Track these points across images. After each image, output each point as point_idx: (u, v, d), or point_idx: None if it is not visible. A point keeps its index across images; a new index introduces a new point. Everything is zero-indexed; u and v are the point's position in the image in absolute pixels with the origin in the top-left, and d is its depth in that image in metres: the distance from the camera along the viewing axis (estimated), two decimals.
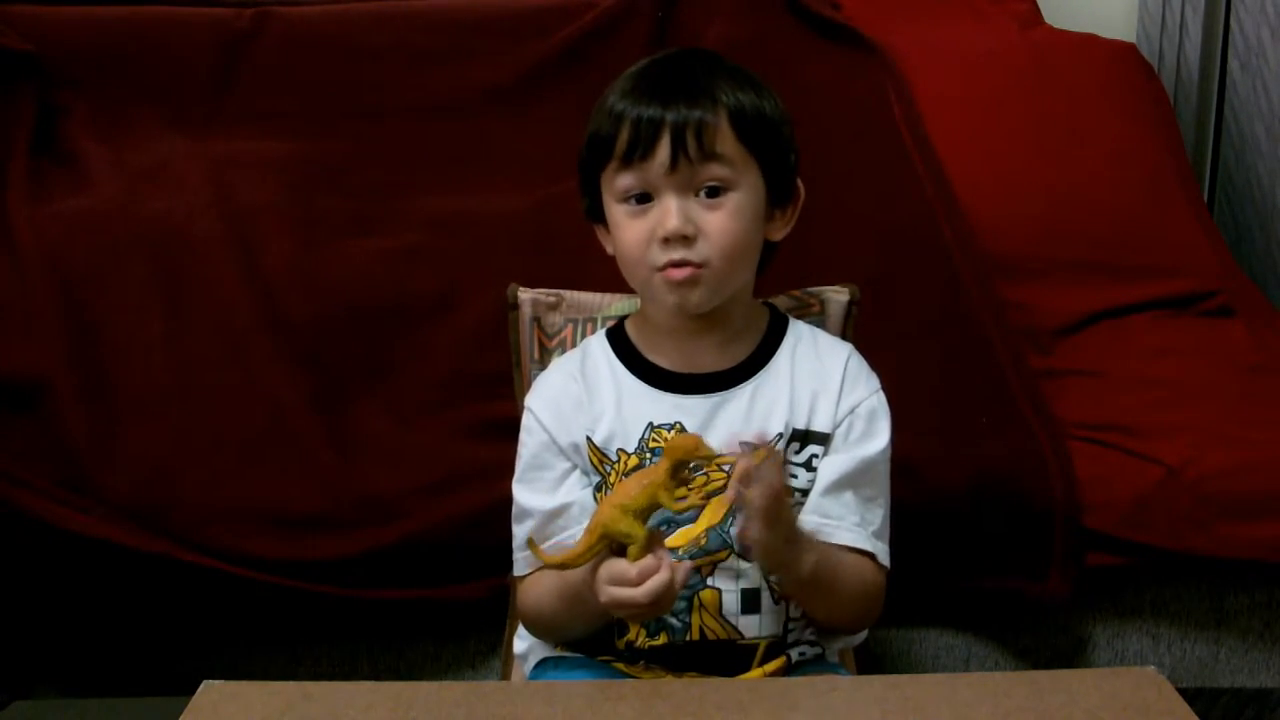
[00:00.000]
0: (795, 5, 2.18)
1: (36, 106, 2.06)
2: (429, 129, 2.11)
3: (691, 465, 1.10)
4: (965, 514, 1.61)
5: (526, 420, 1.27)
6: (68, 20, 2.18)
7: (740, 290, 1.25)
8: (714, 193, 1.18)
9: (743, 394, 1.24)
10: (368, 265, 1.89)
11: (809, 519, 1.21)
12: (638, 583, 1.08)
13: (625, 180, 1.20)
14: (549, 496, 1.24)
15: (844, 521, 1.22)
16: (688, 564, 1.11)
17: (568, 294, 1.43)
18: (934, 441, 1.63)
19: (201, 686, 1.00)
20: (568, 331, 1.42)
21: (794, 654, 1.23)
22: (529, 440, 1.26)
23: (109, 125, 2.09)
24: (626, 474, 1.20)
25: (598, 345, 1.30)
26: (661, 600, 1.08)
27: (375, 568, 1.60)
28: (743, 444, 1.16)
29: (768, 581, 1.20)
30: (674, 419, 1.22)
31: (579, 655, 1.25)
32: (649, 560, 1.08)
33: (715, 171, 1.18)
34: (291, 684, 1.01)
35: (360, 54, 2.19)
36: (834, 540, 1.21)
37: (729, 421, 1.22)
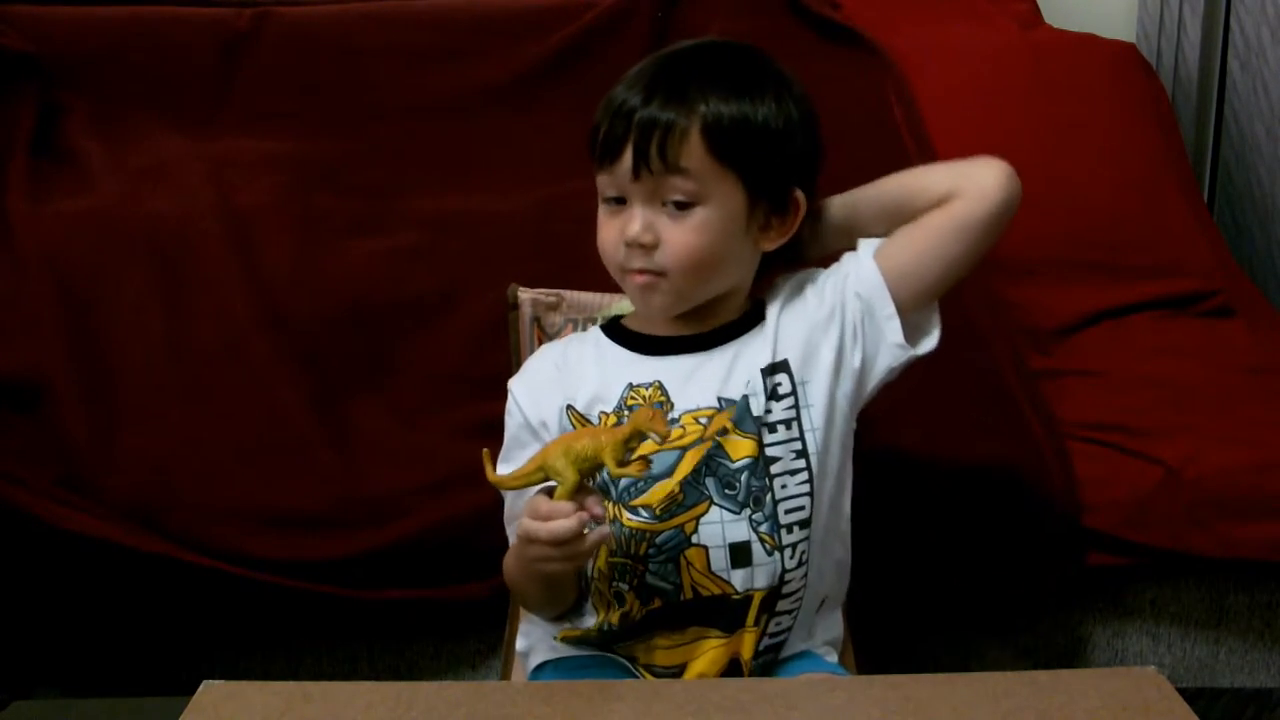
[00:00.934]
0: (795, 5, 2.18)
1: (36, 106, 2.06)
2: (429, 129, 2.11)
3: (643, 436, 1.12)
4: (965, 514, 1.61)
5: (508, 402, 1.30)
6: (68, 20, 2.18)
7: (731, 292, 1.26)
8: (681, 206, 1.20)
9: (726, 352, 1.25)
10: (368, 265, 1.89)
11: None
12: (546, 519, 1.10)
13: (603, 181, 1.23)
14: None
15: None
16: (605, 530, 1.12)
17: (568, 294, 1.43)
18: (934, 441, 1.63)
19: (201, 686, 1.00)
20: (567, 331, 1.42)
21: (788, 603, 1.23)
22: (509, 421, 1.30)
23: (109, 125, 2.09)
24: None
25: (589, 332, 1.33)
26: (568, 549, 1.11)
27: (375, 568, 1.60)
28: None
29: (758, 533, 1.20)
30: (653, 378, 1.23)
31: (581, 655, 1.25)
32: (563, 504, 1.10)
33: (679, 185, 1.19)
34: (291, 684, 1.01)
35: (360, 54, 2.19)
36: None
37: (709, 376, 1.23)
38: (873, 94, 2.08)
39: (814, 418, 1.22)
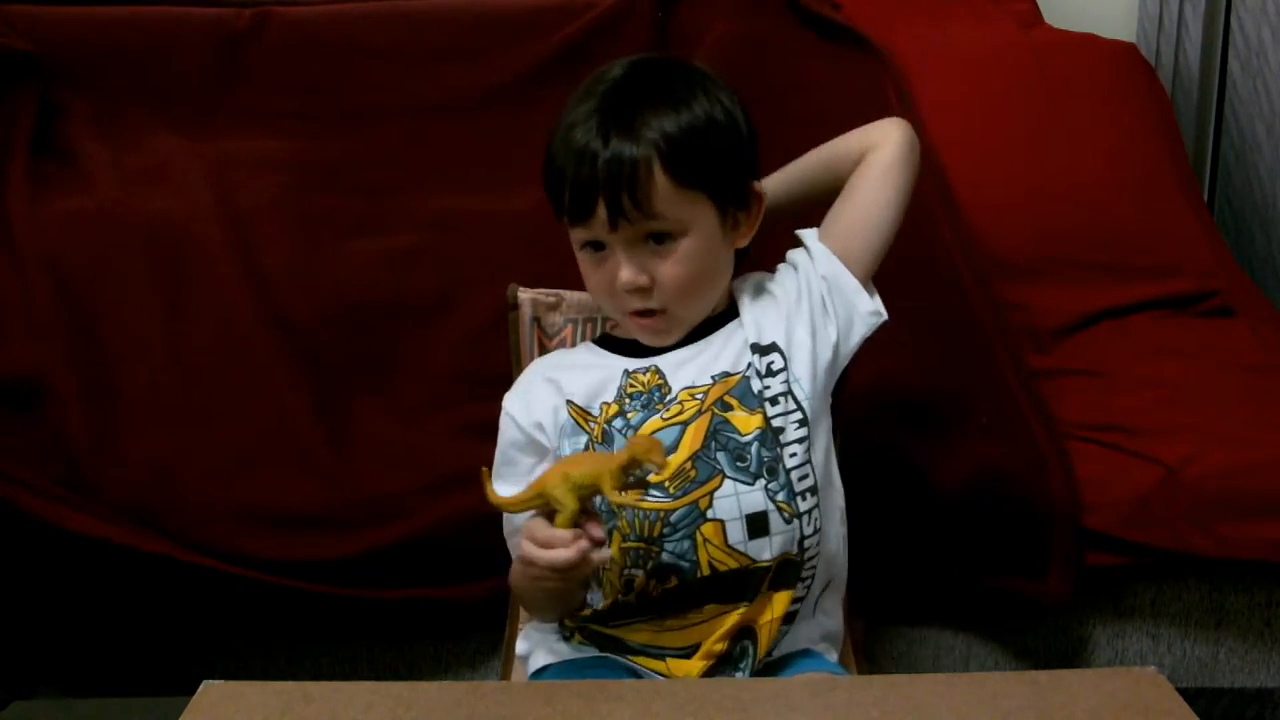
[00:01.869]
0: (795, 5, 2.18)
1: (36, 106, 2.06)
2: (429, 129, 2.11)
3: (642, 469, 1.11)
4: (965, 514, 1.61)
5: (501, 420, 1.32)
6: (68, 20, 2.18)
7: (718, 296, 1.31)
8: (661, 239, 1.23)
9: (717, 338, 1.29)
10: (368, 265, 1.89)
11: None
12: (544, 545, 1.12)
13: (577, 232, 1.26)
14: (515, 488, 1.26)
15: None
16: (605, 553, 1.13)
17: (568, 294, 1.43)
18: (934, 442, 1.63)
19: (201, 686, 1.00)
20: (568, 331, 1.42)
21: (806, 576, 1.24)
22: (500, 439, 1.32)
23: (109, 125, 2.09)
24: (608, 422, 1.24)
25: (579, 346, 1.38)
26: (566, 574, 1.13)
27: (375, 568, 1.60)
28: None
29: (775, 501, 1.21)
30: (650, 364, 1.27)
31: (581, 657, 1.25)
32: (562, 533, 1.11)
33: (658, 223, 1.22)
34: (291, 684, 1.01)
35: (360, 54, 2.19)
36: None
37: (704, 361, 1.27)
38: (873, 94, 2.08)
39: (804, 388, 1.26)
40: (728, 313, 1.31)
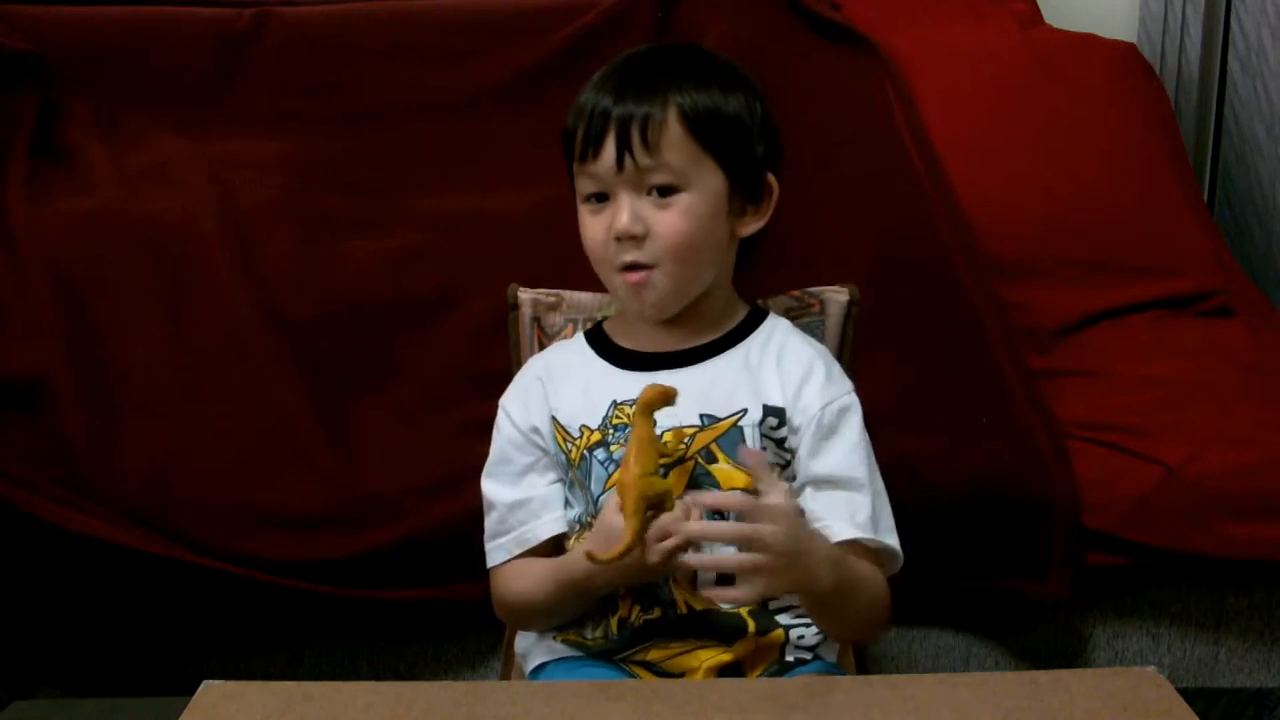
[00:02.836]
0: (796, 5, 2.18)
1: (36, 106, 2.06)
2: (429, 129, 2.11)
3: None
4: (965, 514, 1.61)
5: (498, 417, 1.31)
6: (68, 20, 2.18)
7: (713, 287, 1.27)
8: (665, 192, 1.20)
9: (707, 369, 1.25)
10: (368, 265, 1.89)
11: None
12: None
13: (583, 181, 1.23)
14: (511, 489, 1.27)
15: (834, 519, 1.21)
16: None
17: (568, 294, 1.43)
18: (934, 441, 1.63)
19: (201, 686, 1.00)
20: (568, 331, 1.42)
21: (792, 634, 1.22)
22: (497, 436, 1.30)
23: (109, 125, 2.09)
24: (589, 449, 1.22)
25: (574, 340, 1.34)
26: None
27: (375, 568, 1.60)
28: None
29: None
30: (637, 395, 1.21)
31: (579, 655, 1.25)
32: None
33: (664, 171, 1.19)
34: (291, 684, 1.01)
35: (360, 54, 2.19)
36: (834, 538, 1.20)
37: (691, 394, 1.21)
38: (873, 94, 2.08)
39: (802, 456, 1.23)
40: (726, 340, 1.28)
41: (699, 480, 1.20)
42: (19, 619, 1.60)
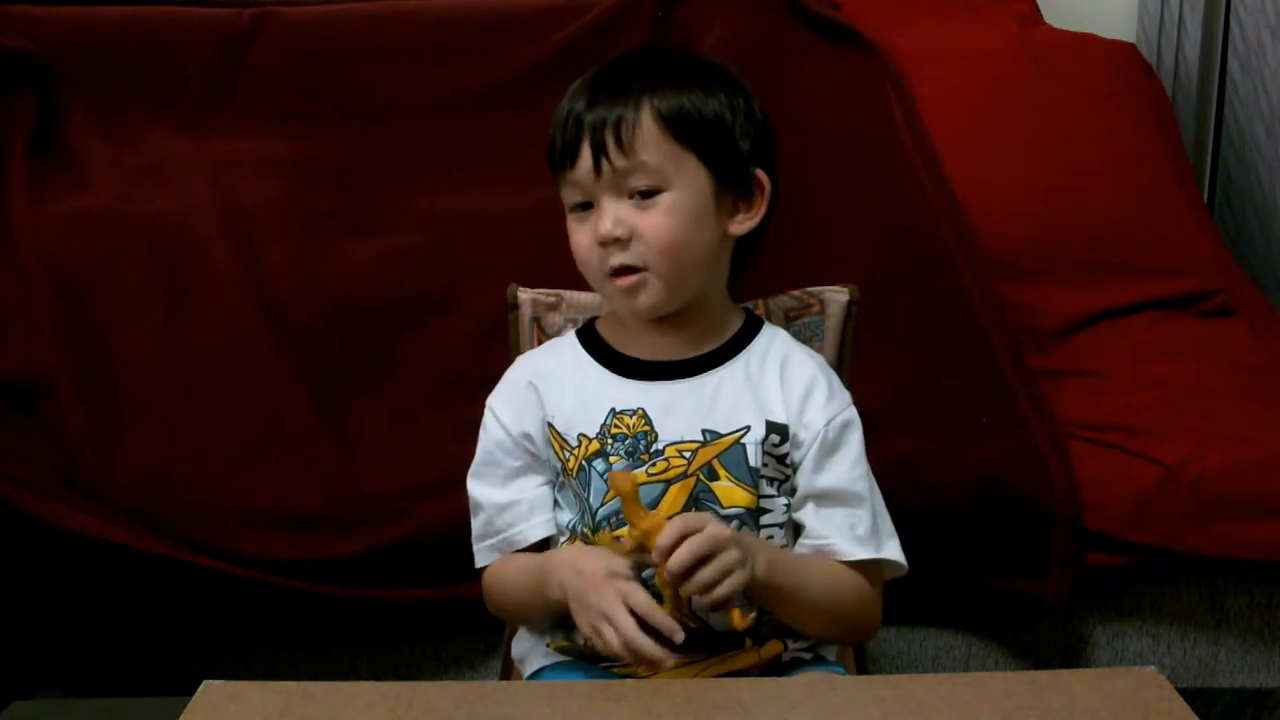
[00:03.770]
0: (795, 5, 2.18)
1: (36, 106, 2.06)
2: (429, 129, 2.11)
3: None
4: (965, 514, 1.62)
5: (485, 417, 1.28)
6: (68, 20, 2.18)
7: (707, 289, 1.24)
8: (647, 195, 1.18)
9: (708, 382, 1.23)
10: (368, 265, 1.89)
11: (806, 543, 1.21)
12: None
13: (567, 190, 1.22)
14: (498, 491, 1.26)
15: (836, 536, 1.21)
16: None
17: (567, 294, 1.43)
18: (934, 441, 1.63)
19: (201, 686, 1.00)
20: (567, 331, 1.42)
21: (789, 641, 1.22)
22: (484, 436, 1.28)
23: (109, 125, 2.09)
24: (588, 459, 1.20)
25: (566, 340, 1.31)
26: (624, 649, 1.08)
27: (375, 568, 1.60)
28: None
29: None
30: (637, 405, 1.22)
31: (576, 660, 1.25)
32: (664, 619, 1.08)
33: (643, 172, 1.17)
34: (291, 684, 1.01)
35: (360, 54, 2.19)
36: (838, 558, 1.20)
37: (692, 408, 1.21)
38: (873, 94, 2.08)
39: (804, 473, 1.22)
40: (726, 350, 1.25)
41: (700, 497, 1.18)
42: (19, 619, 1.60)
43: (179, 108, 2.13)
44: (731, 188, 1.22)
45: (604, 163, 1.17)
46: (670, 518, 1.10)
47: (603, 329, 1.30)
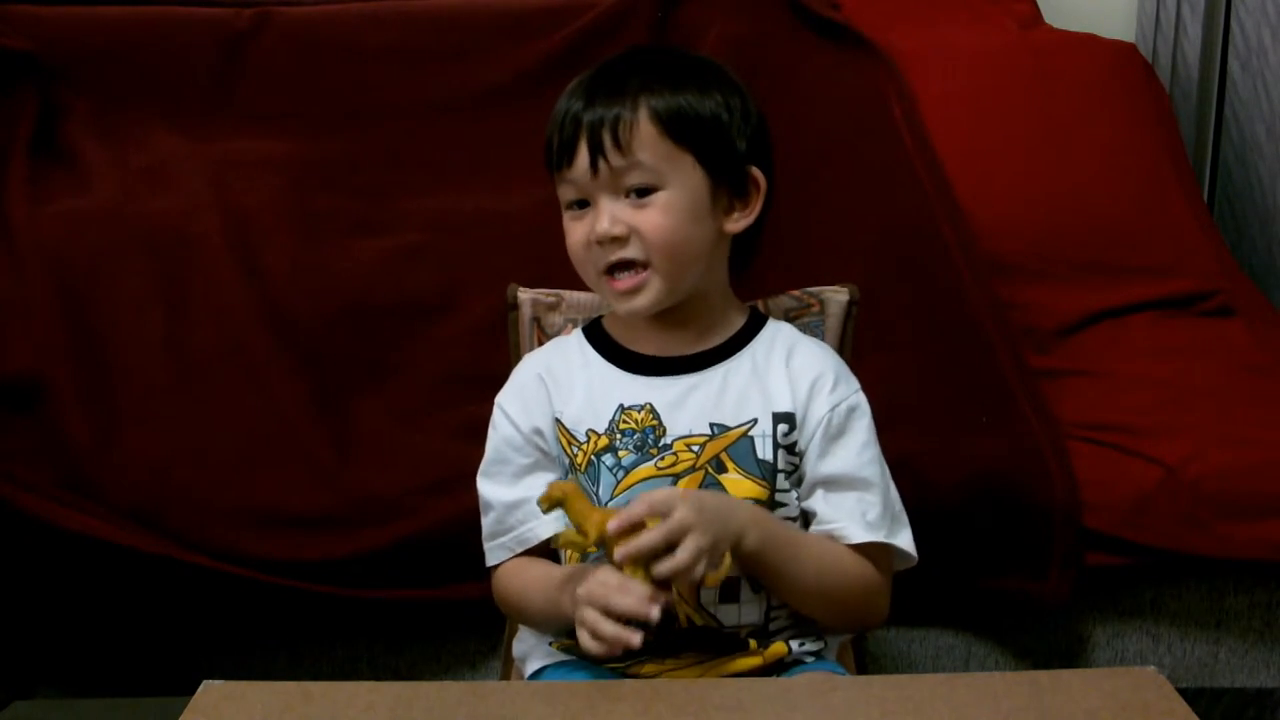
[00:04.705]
0: (795, 5, 2.18)
1: (36, 106, 2.06)
2: (429, 129, 2.11)
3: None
4: (965, 514, 1.61)
5: (494, 415, 1.29)
6: (68, 20, 2.18)
7: (706, 286, 1.25)
8: (643, 193, 1.19)
9: (715, 376, 1.24)
10: (368, 265, 1.89)
11: (817, 529, 1.22)
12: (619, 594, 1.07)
13: (563, 188, 1.23)
14: (508, 489, 1.26)
15: (846, 520, 1.21)
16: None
17: (568, 294, 1.43)
18: (934, 441, 1.63)
19: (201, 686, 1.00)
20: (567, 331, 1.42)
21: (793, 644, 1.22)
22: (493, 435, 1.29)
23: (109, 125, 2.09)
24: (597, 454, 1.21)
25: (572, 338, 1.32)
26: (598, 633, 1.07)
27: (375, 568, 1.60)
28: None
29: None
30: (645, 400, 1.23)
31: (577, 660, 1.25)
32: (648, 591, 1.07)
33: (639, 171, 1.18)
34: (291, 684, 1.01)
35: (360, 54, 2.19)
36: (847, 541, 1.20)
37: (700, 402, 1.22)
38: (873, 94, 2.08)
39: (811, 461, 1.23)
40: (732, 344, 1.26)
41: (708, 488, 1.19)
42: (19, 619, 1.60)
43: (179, 108, 2.13)
44: (727, 186, 1.23)
45: (601, 162, 1.18)
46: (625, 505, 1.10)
47: (609, 326, 1.30)
